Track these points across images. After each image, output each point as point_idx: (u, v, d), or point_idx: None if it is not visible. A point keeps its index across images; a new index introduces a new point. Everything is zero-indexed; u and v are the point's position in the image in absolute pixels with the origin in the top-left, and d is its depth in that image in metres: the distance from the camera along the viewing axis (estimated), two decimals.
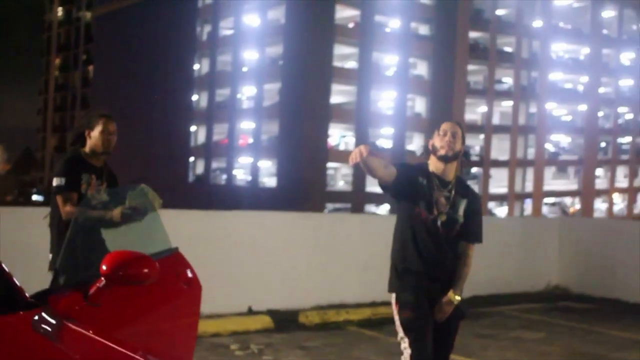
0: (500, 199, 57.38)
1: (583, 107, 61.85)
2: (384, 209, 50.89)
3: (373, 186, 50.63)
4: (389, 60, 52.28)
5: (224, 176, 55.28)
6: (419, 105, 53.20)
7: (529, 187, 58.62)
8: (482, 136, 56.21)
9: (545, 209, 59.69)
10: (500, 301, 10.74)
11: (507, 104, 57.70)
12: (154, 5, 59.22)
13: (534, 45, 57.71)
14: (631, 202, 64.93)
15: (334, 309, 9.18)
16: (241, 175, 55.13)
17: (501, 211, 56.29)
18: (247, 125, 53.27)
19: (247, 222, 9.25)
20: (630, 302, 11.20)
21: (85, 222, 4.08)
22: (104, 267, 2.89)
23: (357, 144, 53.76)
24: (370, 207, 50.50)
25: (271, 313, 8.63)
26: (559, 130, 62.07)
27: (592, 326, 9.45)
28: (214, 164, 56.77)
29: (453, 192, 4.35)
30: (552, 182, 62.00)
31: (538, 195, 59.19)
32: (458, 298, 4.30)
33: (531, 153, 58.91)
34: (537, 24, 57.72)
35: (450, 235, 4.34)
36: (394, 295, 4.39)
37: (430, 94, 52.22)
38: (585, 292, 11.68)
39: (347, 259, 9.77)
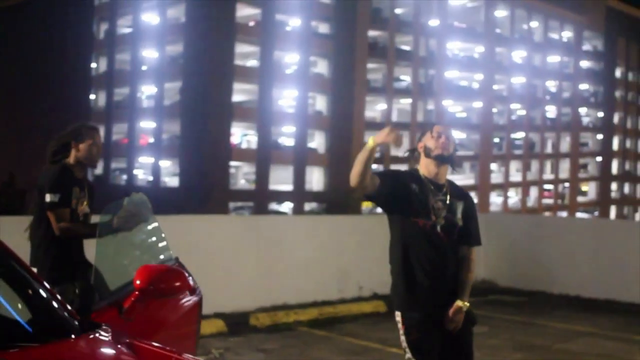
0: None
1: (478, 104, 63.64)
2: (287, 207, 51.17)
3: (276, 184, 50.82)
4: (289, 59, 52.54)
5: (124, 176, 54.44)
6: (320, 103, 53.66)
7: None
8: None
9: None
10: None
11: (406, 102, 58.83)
12: (48, 3, 57.72)
13: (430, 43, 59.02)
14: (525, 196, 67.21)
15: (280, 310, 9.26)
16: (142, 175, 54.42)
17: None
18: (147, 124, 52.62)
19: (190, 226, 9.24)
20: (555, 293, 11.72)
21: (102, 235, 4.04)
22: (137, 282, 2.90)
23: (259, 143, 53.45)
24: (273, 206, 50.70)
25: (219, 316, 8.60)
26: (455, 126, 63.62)
27: (530, 319, 9.80)
28: (114, 164, 55.81)
29: (448, 195, 4.16)
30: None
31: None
32: (467, 304, 4.11)
33: None
34: (434, 22, 59.05)
35: (451, 240, 4.14)
36: (399, 313, 4.13)
37: (331, 92, 52.76)
38: (512, 285, 12.07)
39: (289, 260, 9.88)
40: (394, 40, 56.80)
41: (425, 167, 4.20)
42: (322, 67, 53.54)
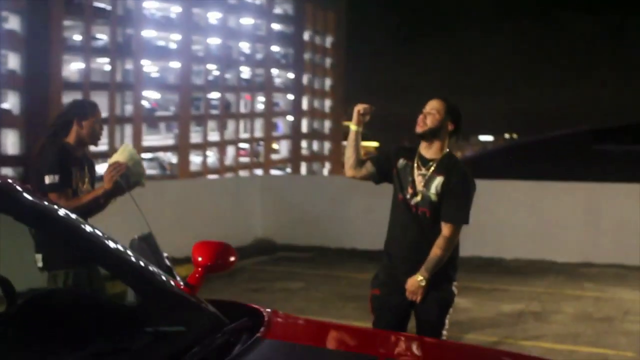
0: (102, 156, 56.88)
1: (176, 64, 63.57)
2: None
3: None
4: None
5: None
6: (13, 61, 50.21)
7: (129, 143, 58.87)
8: (80, 94, 54.95)
9: (145, 165, 60.54)
10: None
11: (104, 61, 57.08)
12: None
13: (128, 2, 57.66)
14: (222, 155, 68.71)
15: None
16: None
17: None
18: None
19: None
20: (332, 247, 12.31)
21: None
22: (199, 259, 2.77)
23: None
24: None
25: None
26: (153, 87, 63.09)
27: (330, 272, 10.25)
28: None
29: (432, 170, 4.23)
30: (147, 137, 62.95)
31: (138, 151, 59.71)
32: (420, 279, 4.17)
33: (128, 110, 59.19)
34: None
35: (427, 216, 4.22)
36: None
37: (25, 50, 49.61)
38: (289, 242, 12.47)
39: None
40: None
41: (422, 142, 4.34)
42: (14, 23, 50.00)
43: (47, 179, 4.28)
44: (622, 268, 10.81)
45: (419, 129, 4.23)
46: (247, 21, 71.29)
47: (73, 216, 2.62)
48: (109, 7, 56.31)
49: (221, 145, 68.82)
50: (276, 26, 75.99)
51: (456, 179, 4.21)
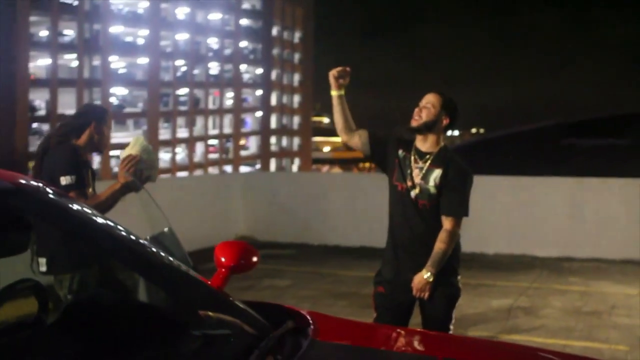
0: None
1: (144, 60, 63.08)
2: None
3: None
4: None
5: None
6: None
7: None
8: (47, 91, 54.33)
9: (113, 162, 60.04)
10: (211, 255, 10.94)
11: (71, 57, 56.45)
12: None
13: None
14: (191, 152, 68.36)
15: None
16: None
17: None
18: None
19: None
20: (315, 244, 12.30)
21: None
22: (222, 259, 2.73)
23: None
24: None
25: None
26: (121, 83, 62.55)
27: (316, 269, 10.20)
28: None
29: (428, 163, 4.23)
30: (115, 134, 62.37)
31: (107, 148, 59.29)
32: (427, 275, 4.14)
33: None
34: None
35: (428, 209, 4.22)
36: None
37: None
38: (270, 239, 12.44)
39: None
40: None
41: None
42: None
43: (63, 180, 4.16)
44: (602, 262, 10.95)
45: (414, 123, 4.24)
46: (215, 16, 70.96)
47: (106, 219, 2.59)
48: (75, 3, 55.74)
49: (190, 142, 68.45)
50: (244, 21, 75.72)
51: (454, 172, 4.22)
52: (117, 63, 62.26)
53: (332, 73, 4.33)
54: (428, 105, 4.24)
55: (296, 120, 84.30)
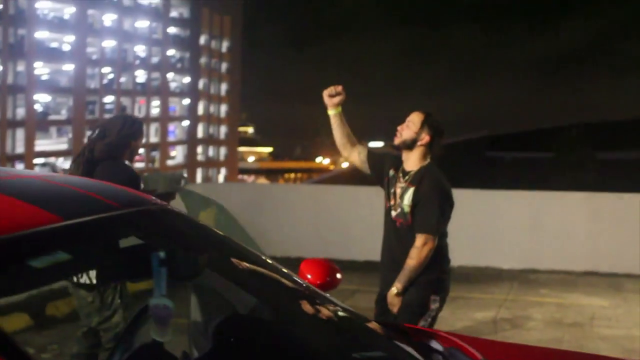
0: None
1: (70, 67, 61.84)
2: None
3: None
4: None
5: None
6: None
7: (20, 148, 57.06)
8: None
9: (37, 170, 58.62)
10: None
11: None
12: None
13: (20, 2, 55.76)
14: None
15: None
16: None
17: None
18: None
19: None
20: (279, 256, 12.24)
21: None
22: (308, 276, 2.75)
23: None
24: None
25: None
26: (45, 89, 61.20)
27: None
28: None
29: (408, 181, 4.27)
30: (38, 142, 60.94)
31: (30, 156, 57.97)
32: (394, 290, 4.20)
33: (20, 113, 57.23)
34: None
35: (405, 227, 4.27)
36: None
37: None
38: None
39: None
40: None
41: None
42: None
43: None
44: (566, 274, 11.25)
45: (395, 140, 4.31)
46: (143, 24, 70.18)
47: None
48: (0, 6, 54.26)
49: None
50: (172, 29, 75.08)
51: (425, 188, 4.22)
52: (41, 69, 60.89)
53: (325, 93, 4.36)
54: (409, 124, 4.29)
55: (223, 130, 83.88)
